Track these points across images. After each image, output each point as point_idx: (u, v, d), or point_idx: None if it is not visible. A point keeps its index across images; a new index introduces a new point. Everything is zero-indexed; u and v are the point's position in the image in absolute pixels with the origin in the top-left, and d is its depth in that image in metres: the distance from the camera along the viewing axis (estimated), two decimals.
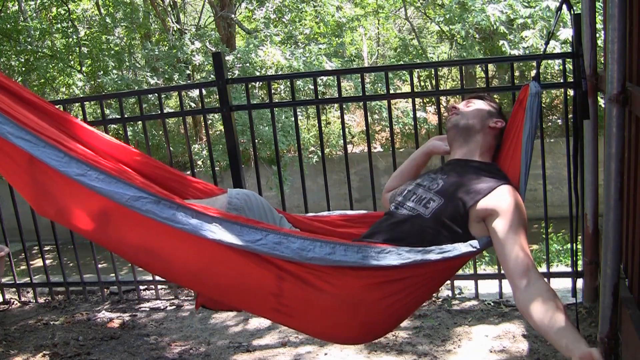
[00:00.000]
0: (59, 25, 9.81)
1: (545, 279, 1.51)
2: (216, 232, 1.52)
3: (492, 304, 2.89)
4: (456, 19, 8.37)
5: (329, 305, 1.58)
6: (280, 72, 7.80)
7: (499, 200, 1.61)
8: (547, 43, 2.13)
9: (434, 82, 4.77)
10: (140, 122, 3.51)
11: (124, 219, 1.58)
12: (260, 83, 7.66)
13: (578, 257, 2.82)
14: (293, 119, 3.34)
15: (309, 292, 1.56)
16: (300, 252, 1.53)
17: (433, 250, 1.58)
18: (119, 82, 8.44)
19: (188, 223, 1.52)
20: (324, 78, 8.10)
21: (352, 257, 1.54)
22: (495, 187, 1.65)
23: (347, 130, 9.77)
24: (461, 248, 1.61)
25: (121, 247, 1.70)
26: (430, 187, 1.75)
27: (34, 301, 3.48)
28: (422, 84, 11.67)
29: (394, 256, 1.55)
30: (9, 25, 9.41)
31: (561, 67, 2.80)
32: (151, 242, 1.62)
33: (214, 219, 1.54)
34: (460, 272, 2.87)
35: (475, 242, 1.62)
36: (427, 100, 10.54)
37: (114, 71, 9.17)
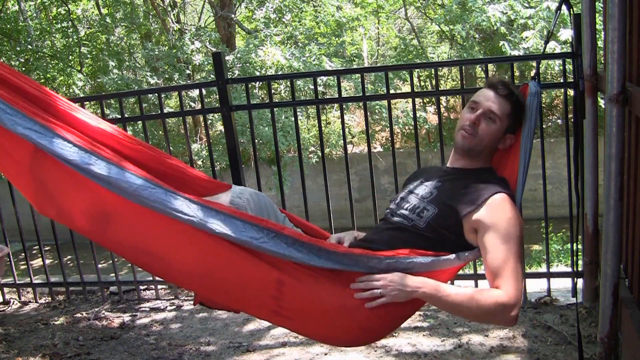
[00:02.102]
0: (59, 25, 9.81)
1: (501, 294, 1.54)
2: (221, 225, 1.52)
3: None
4: (456, 19, 8.37)
5: (328, 309, 1.58)
6: (280, 72, 7.79)
7: (489, 213, 1.61)
8: (546, 43, 2.13)
9: (434, 82, 4.77)
10: (140, 121, 3.51)
11: (125, 215, 1.57)
12: (260, 83, 7.65)
13: (578, 257, 2.82)
14: (293, 119, 3.33)
15: (309, 295, 1.57)
16: (299, 256, 1.54)
17: (433, 262, 1.60)
18: (119, 82, 8.44)
19: (195, 215, 1.52)
20: (324, 78, 8.10)
21: (349, 265, 1.56)
22: (488, 197, 1.63)
23: (347, 130, 9.78)
24: (459, 257, 1.64)
25: (120, 246, 1.69)
26: (423, 196, 1.74)
27: (34, 301, 3.47)
28: (422, 84, 11.68)
29: (395, 265, 1.58)
30: (9, 25, 9.41)
31: (561, 67, 2.80)
32: (152, 239, 1.61)
33: (219, 212, 1.55)
34: (460, 271, 2.87)
35: (475, 251, 1.65)
36: (427, 100, 10.54)
37: (115, 71, 9.17)
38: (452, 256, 1.63)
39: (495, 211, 1.60)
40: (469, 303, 1.52)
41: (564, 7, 2.02)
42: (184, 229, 1.53)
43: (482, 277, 2.99)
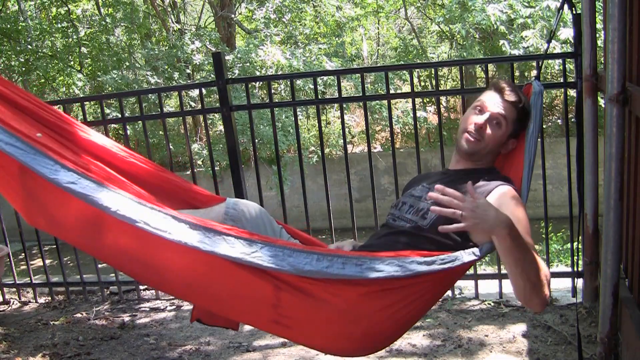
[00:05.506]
0: (59, 25, 9.81)
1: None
2: (209, 244, 1.47)
3: (492, 304, 2.89)
4: (456, 18, 8.37)
5: (329, 316, 1.53)
6: (280, 72, 7.79)
7: (498, 203, 1.55)
8: (549, 42, 2.12)
9: (434, 82, 4.77)
10: (140, 121, 3.51)
11: (115, 230, 1.54)
12: (260, 83, 7.66)
13: (578, 257, 2.82)
14: (293, 118, 3.33)
15: (309, 302, 1.51)
16: (296, 265, 1.46)
17: (435, 261, 1.51)
18: (119, 81, 8.44)
19: (181, 234, 1.48)
20: (324, 78, 8.10)
21: (351, 269, 1.47)
22: (490, 190, 1.61)
23: (347, 130, 9.77)
24: (463, 257, 1.55)
25: (113, 258, 1.66)
26: (426, 198, 1.71)
27: (34, 301, 3.47)
28: (422, 84, 11.67)
29: (394, 267, 1.48)
30: (9, 25, 9.41)
31: (561, 67, 2.80)
32: (143, 253, 1.57)
33: (208, 230, 1.49)
34: None
35: (476, 250, 1.57)
36: (427, 100, 10.53)
37: (114, 71, 9.17)
38: (457, 256, 1.54)
39: (507, 201, 1.58)
40: (537, 260, 1.40)
41: (565, 7, 2.02)
42: (172, 244, 1.48)
43: (483, 277, 2.99)
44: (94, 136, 1.87)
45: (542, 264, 1.43)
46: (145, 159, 1.96)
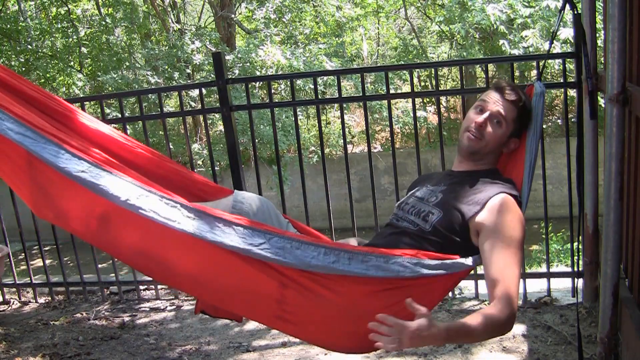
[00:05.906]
0: (59, 25, 9.82)
1: (512, 300, 1.45)
2: (218, 234, 1.47)
3: None
4: (456, 18, 8.37)
5: (333, 314, 1.54)
6: (280, 72, 7.79)
7: (490, 215, 1.58)
8: (551, 42, 2.12)
9: (434, 82, 4.77)
10: (140, 121, 3.51)
11: (123, 221, 1.54)
12: (260, 83, 7.66)
13: (578, 257, 2.82)
14: (293, 118, 3.34)
15: (312, 299, 1.52)
16: (303, 259, 1.48)
17: (440, 266, 1.54)
18: (119, 81, 8.44)
19: (190, 224, 1.47)
20: (324, 78, 8.10)
21: (356, 266, 1.49)
22: (489, 198, 1.61)
23: (347, 130, 9.78)
24: (465, 263, 1.58)
25: (120, 251, 1.66)
26: (428, 200, 1.73)
27: (34, 301, 3.47)
28: (422, 84, 11.68)
29: (399, 267, 1.51)
30: (9, 25, 9.42)
31: (561, 67, 2.80)
32: (151, 245, 1.57)
33: (216, 219, 1.50)
34: None
35: (477, 257, 1.60)
36: (427, 100, 10.53)
37: (114, 71, 9.18)
38: (460, 260, 1.58)
39: (496, 213, 1.58)
40: (488, 329, 1.41)
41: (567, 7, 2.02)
42: (180, 235, 1.48)
43: (482, 277, 2.98)
44: (101, 126, 1.86)
45: (497, 321, 1.41)
46: (151, 150, 1.94)
